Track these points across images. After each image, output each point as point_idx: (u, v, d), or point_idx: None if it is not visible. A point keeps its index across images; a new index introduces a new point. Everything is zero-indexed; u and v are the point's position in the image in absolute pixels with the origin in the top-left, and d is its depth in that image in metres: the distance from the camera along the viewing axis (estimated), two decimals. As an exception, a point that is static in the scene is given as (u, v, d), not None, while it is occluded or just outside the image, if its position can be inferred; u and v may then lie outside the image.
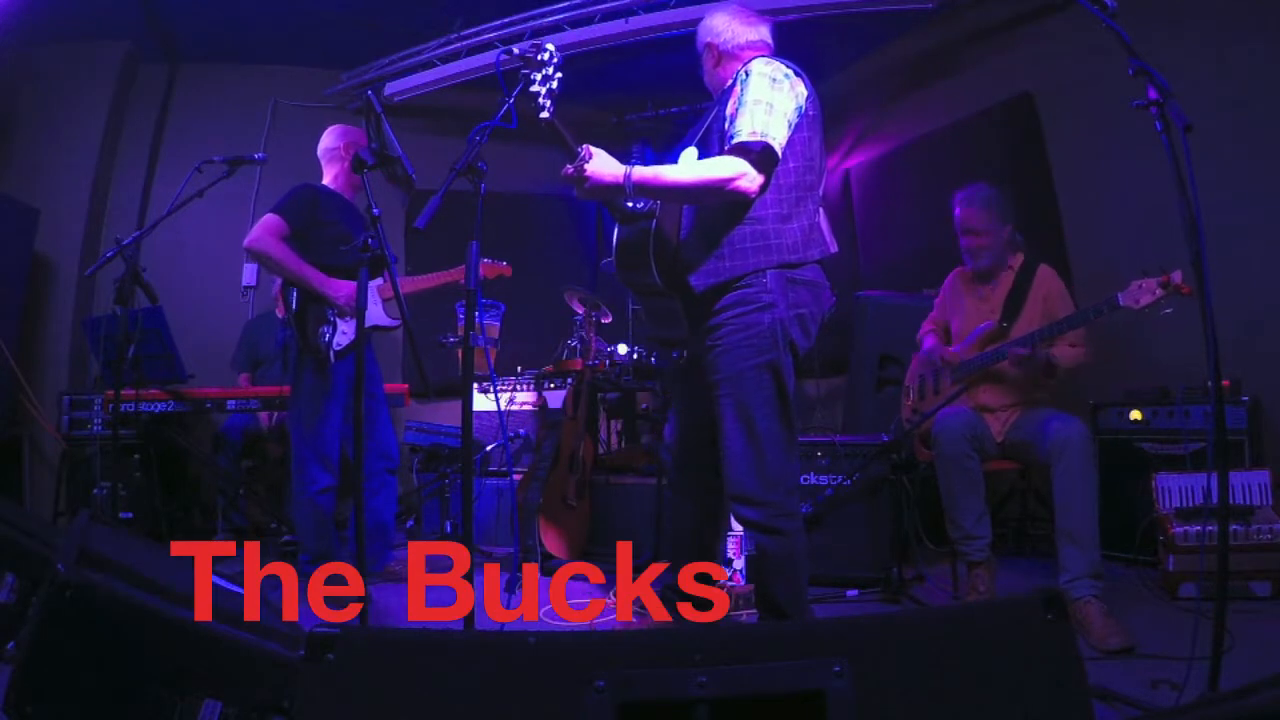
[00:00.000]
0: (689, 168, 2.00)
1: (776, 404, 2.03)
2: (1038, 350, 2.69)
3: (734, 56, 2.23)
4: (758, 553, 2.08)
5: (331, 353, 3.06)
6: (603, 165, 1.94)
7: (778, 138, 1.96)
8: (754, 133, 1.93)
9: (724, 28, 2.24)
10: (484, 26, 4.83)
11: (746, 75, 2.04)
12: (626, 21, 4.56)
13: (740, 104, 2.00)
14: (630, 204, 2.13)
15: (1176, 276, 2.37)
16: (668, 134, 5.65)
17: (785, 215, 2.04)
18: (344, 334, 3.06)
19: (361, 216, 3.14)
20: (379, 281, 3.12)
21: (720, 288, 2.03)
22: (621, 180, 1.93)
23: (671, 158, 2.18)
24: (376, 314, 3.14)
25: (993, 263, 2.94)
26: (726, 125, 2.03)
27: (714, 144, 2.08)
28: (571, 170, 1.94)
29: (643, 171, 1.94)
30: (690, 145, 2.17)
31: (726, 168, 1.92)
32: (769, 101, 1.98)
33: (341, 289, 3.03)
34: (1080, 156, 4.08)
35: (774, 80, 2.02)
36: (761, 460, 2.00)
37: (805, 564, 2.09)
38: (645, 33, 4.57)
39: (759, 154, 1.93)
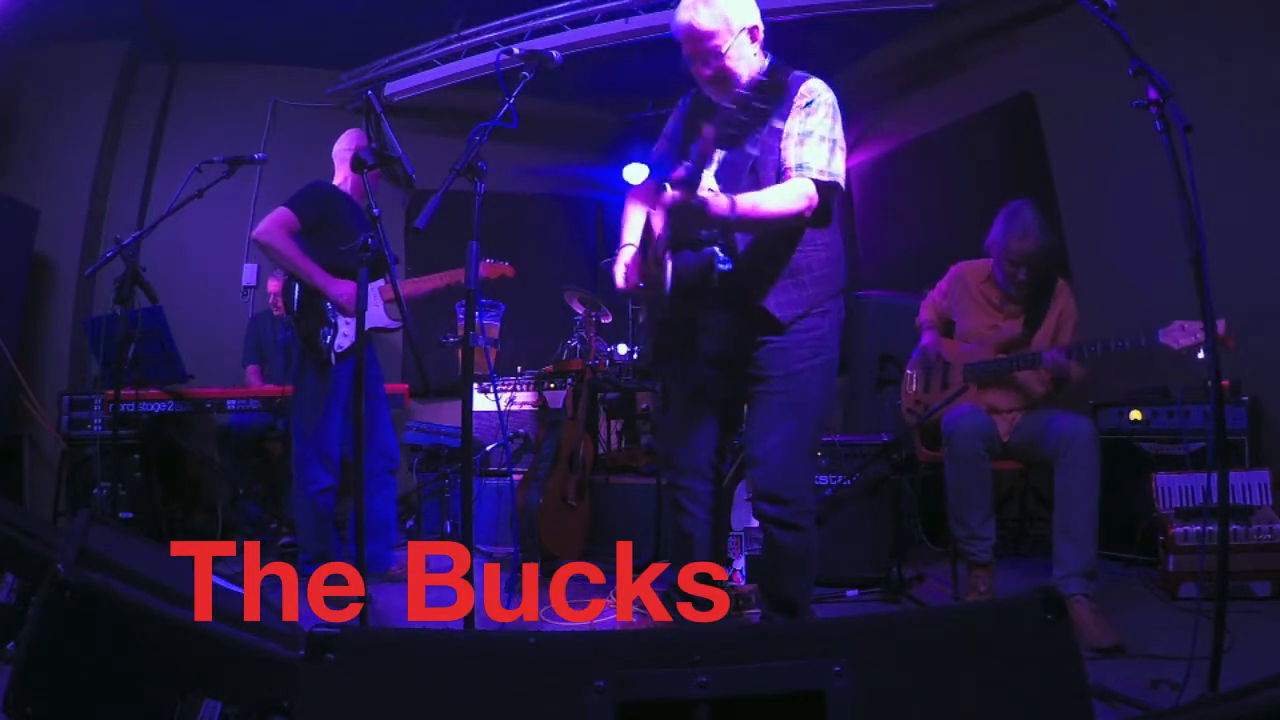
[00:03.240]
0: (777, 198, 1.95)
1: (822, 404, 2.08)
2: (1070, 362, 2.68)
3: (764, 49, 2.13)
4: (773, 549, 2.08)
5: (333, 355, 3.06)
6: (718, 197, 1.86)
7: (840, 175, 2.01)
8: (822, 171, 1.97)
9: (758, 17, 2.10)
10: (484, 26, 4.83)
11: (813, 102, 2.03)
12: (626, 21, 4.55)
13: (808, 133, 2.01)
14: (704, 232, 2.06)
15: (1221, 326, 2.23)
16: (668, 134, 5.65)
17: (840, 241, 2.16)
18: (345, 335, 3.07)
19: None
20: (380, 283, 3.12)
21: (803, 314, 2.07)
22: (728, 212, 1.86)
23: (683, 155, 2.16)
24: (378, 315, 3.14)
25: (1029, 291, 2.88)
26: (790, 145, 2.01)
27: (768, 155, 2.03)
28: (706, 207, 1.82)
29: (743, 203, 1.88)
30: (720, 147, 2.05)
31: (803, 199, 1.95)
32: (834, 138, 2.02)
33: (344, 289, 3.03)
34: (1080, 156, 4.08)
35: (835, 113, 2.05)
36: (795, 458, 2.04)
37: (816, 562, 2.14)
38: (645, 33, 4.57)
39: (826, 188, 1.99)
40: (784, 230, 2.03)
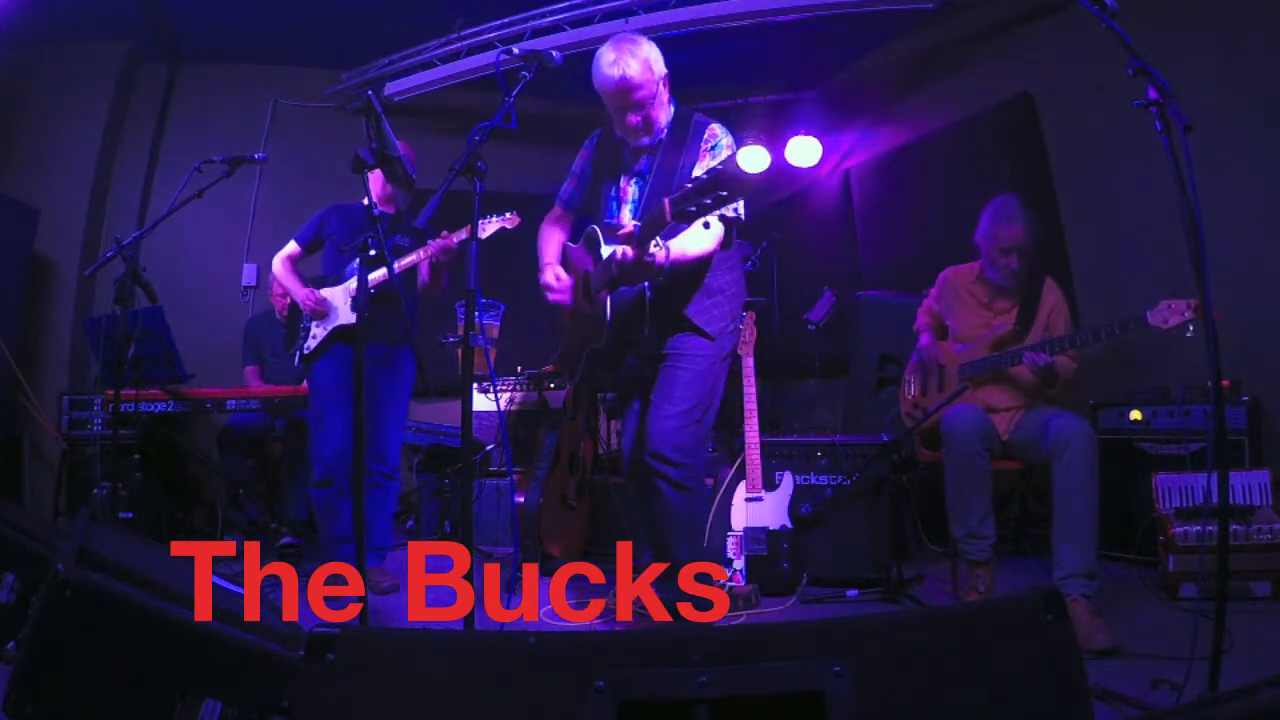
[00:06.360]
0: (697, 243, 2.25)
1: (718, 391, 2.43)
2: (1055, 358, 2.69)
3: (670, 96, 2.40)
4: (661, 505, 2.38)
5: (298, 356, 3.29)
6: (658, 249, 2.15)
7: (742, 209, 2.23)
8: (733, 208, 2.20)
9: (661, 62, 2.34)
10: (484, 26, 4.83)
11: (717, 145, 2.34)
12: (626, 21, 4.56)
13: None
14: None
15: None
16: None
17: (740, 261, 2.56)
18: (314, 337, 3.24)
19: (379, 223, 3.24)
20: (349, 282, 3.21)
21: (727, 326, 2.44)
22: (665, 262, 2.16)
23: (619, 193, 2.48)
24: (345, 313, 3.22)
25: (1021, 284, 2.89)
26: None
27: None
28: (654, 262, 2.12)
29: (674, 251, 2.18)
30: (635, 181, 2.41)
31: (716, 240, 2.28)
32: None
33: (301, 294, 3.25)
34: (1080, 156, 4.08)
35: (735, 153, 2.31)
36: (688, 426, 2.34)
37: (704, 526, 2.65)
38: (645, 33, 4.56)
39: (733, 223, 2.24)
40: (723, 260, 2.41)
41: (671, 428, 2.30)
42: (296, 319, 3.35)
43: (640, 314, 2.31)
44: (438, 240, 3.06)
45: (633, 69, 2.27)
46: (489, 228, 3.14)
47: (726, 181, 1.86)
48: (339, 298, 3.23)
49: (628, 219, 2.42)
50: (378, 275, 3.01)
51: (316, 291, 3.23)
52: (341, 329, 3.21)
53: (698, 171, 2.30)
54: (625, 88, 2.28)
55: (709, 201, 1.88)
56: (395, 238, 2.19)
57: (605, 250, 2.28)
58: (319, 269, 3.42)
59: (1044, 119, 4.21)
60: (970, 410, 2.77)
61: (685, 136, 2.36)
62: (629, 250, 2.10)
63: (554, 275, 2.50)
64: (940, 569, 3.13)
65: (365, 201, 3.28)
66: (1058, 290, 2.91)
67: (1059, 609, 1.06)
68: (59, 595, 1.37)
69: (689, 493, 2.35)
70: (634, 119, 2.34)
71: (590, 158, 2.60)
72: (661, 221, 2.00)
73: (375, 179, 3.33)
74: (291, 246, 3.38)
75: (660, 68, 2.32)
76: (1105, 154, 3.91)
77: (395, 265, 3.22)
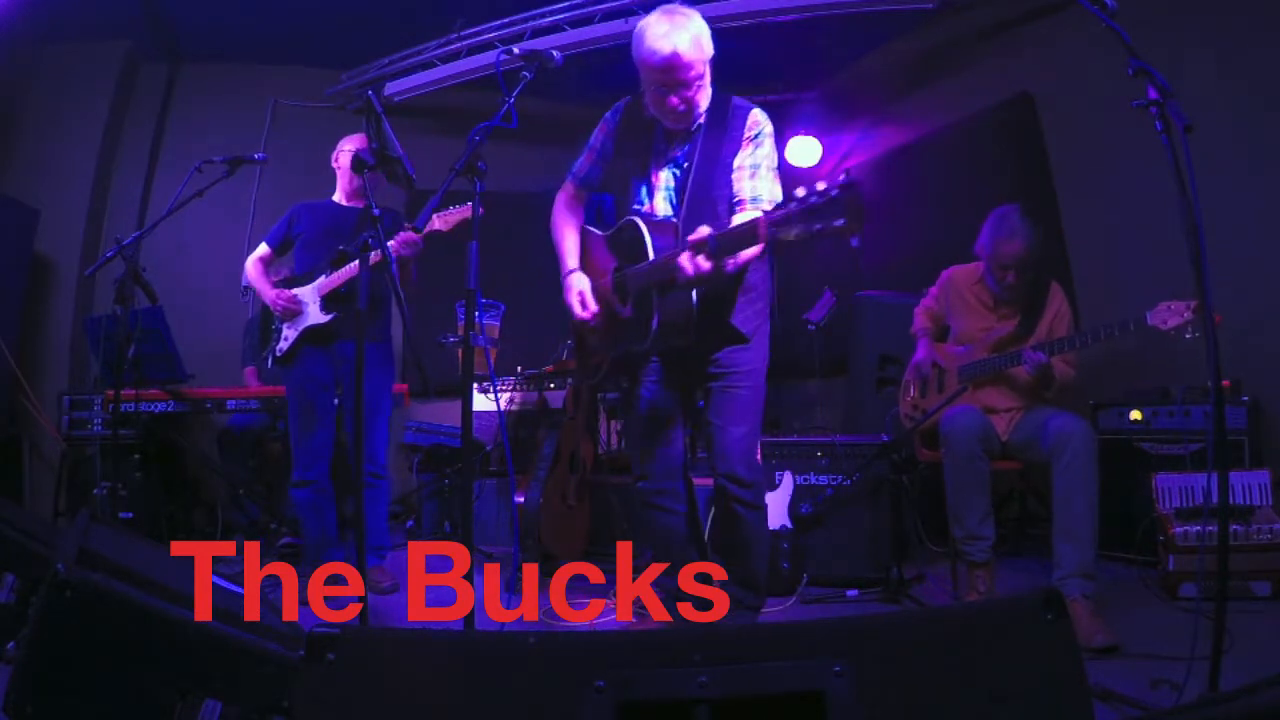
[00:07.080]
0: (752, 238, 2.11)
1: (764, 398, 2.35)
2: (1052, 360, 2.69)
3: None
4: (736, 525, 2.32)
5: (270, 359, 3.28)
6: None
7: (780, 199, 2.11)
8: (771, 200, 2.10)
9: (711, 41, 2.15)
10: (484, 26, 4.83)
11: (760, 134, 2.20)
12: (626, 21, 4.55)
13: (758, 166, 2.18)
14: None
15: None
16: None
17: (769, 255, 2.34)
18: (285, 339, 3.25)
19: (350, 220, 3.24)
20: (320, 280, 3.21)
21: (759, 325, 2.32)
22: (733, 268, 2.04)
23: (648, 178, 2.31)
24: (314, 314, 3.21)
25: (1021, 294, 2.88)
26: (744, 178, 2.17)
27: (717, 185, 2.19)
28: (725, 270, 1.99)
29: (742, 256, 2.03)
30: (669, 168, 2.27)
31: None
32: (775, 167, 2.22)
33: (269, 295, 3.24)
34: (1080, 156, 4.08)
35: (774, 141, 2.23)
36: (754, 447, 2.34)
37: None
38: (645, 33, 4.56)
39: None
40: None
41: (742, 448, 2.29)
42: (269, 321, 3.33)
43: (688, 322, 2.14)
44: (403, 234, 3.01)
45: (684, 45, 2.04)
46: (452, 219, 3.06)
47: (843, 210, 1.63)
48: (308, 297, 3.22)
49: (662, 208, 2.27)
50: (329, 279, 3.09)
51: (287, 291, 3.21)
52: (312, 330, 3.19)
53: (739, 161, 2.17)
54: (674, 65, 2.06)
55: (819, 228, 1.65)
56: (366, 234, 2.16)
57: (650, 244, 2.12)
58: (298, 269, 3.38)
59: (1044, 119, 4.22)
60: (969, 411, 2.77)
61: (725, 122, 2.19)
62: (703, 263, 1.89)
63: (580, 301, 2.32)
64: (940, 569, 3.13)
65: (335, 198, 3.35)
66: (1062, 296, 2.90)
67: (1059, 609, 1.06)
68: (59, 595, 1.37)
69: (759, 510, 2.36)
70: (675, 101, 2.13)
71: (613, 134, 2.40)
72: (752, 239, 1.81)
73: (344, 175, 3.35)
74: (262, 248, 3.35)
75: (710, 47, 2.11)
76: (1105, 154, 3.91)
77: (369, 261, 3.24)
